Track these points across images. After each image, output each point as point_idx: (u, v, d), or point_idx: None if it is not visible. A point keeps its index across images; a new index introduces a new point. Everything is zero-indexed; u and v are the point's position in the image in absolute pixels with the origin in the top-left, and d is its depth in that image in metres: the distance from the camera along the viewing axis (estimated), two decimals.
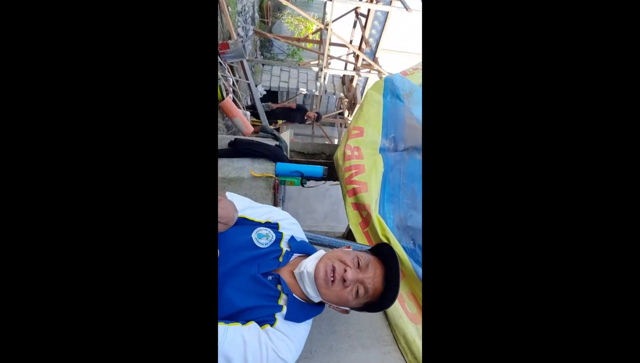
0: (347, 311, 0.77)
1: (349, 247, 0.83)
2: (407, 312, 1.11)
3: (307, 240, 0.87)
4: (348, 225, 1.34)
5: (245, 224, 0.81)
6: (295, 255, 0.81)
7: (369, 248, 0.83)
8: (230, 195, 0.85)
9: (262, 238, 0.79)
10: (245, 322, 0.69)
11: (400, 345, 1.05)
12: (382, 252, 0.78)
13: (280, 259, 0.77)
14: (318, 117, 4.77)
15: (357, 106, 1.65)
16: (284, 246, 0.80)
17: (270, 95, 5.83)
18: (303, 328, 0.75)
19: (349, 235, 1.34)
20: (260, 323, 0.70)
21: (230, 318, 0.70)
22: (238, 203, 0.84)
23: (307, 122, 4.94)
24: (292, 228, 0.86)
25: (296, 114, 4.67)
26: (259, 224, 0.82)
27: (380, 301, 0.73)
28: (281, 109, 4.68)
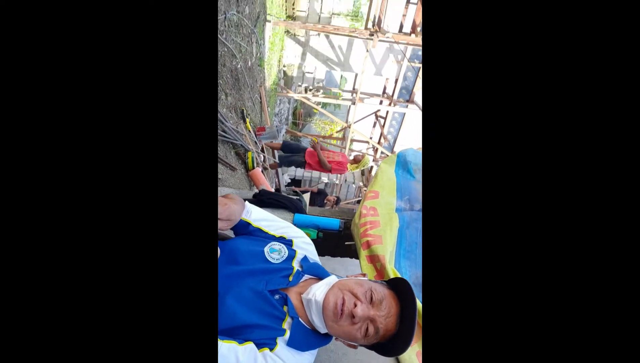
0: (355, 347, 0.69)
1: (364, 275, 0.78)
2: None
3: (320, 263, 0.85)
4: None
5: (259, 236, 0.81)
6: (306, 276, 0.77)
7: (386, 280, 0.77)
8: (248, 205, 0.86)
9: (274, 253, 0.77)
10: (242, 341, 0.63)
11: None
12: (399, 288, 0.71)
13: (291, 278, 0.74)
14: (337, 201, 4.97)
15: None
16: (296, 264, 0.77)
17: (295, 183, 6.26)
18: (306, 359, 0.67)
19: None
20: (259, 346, 0.64)
21: (229, 333, 0.65)
22: (254, 213, 0.85)
23: (326, 206, 5.12)
24: (306, 248, 0.83)
25: (317, 197, 4.91)
26: (273, 238, 0.81)
27: (391, 344, 0.66)
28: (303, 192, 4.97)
